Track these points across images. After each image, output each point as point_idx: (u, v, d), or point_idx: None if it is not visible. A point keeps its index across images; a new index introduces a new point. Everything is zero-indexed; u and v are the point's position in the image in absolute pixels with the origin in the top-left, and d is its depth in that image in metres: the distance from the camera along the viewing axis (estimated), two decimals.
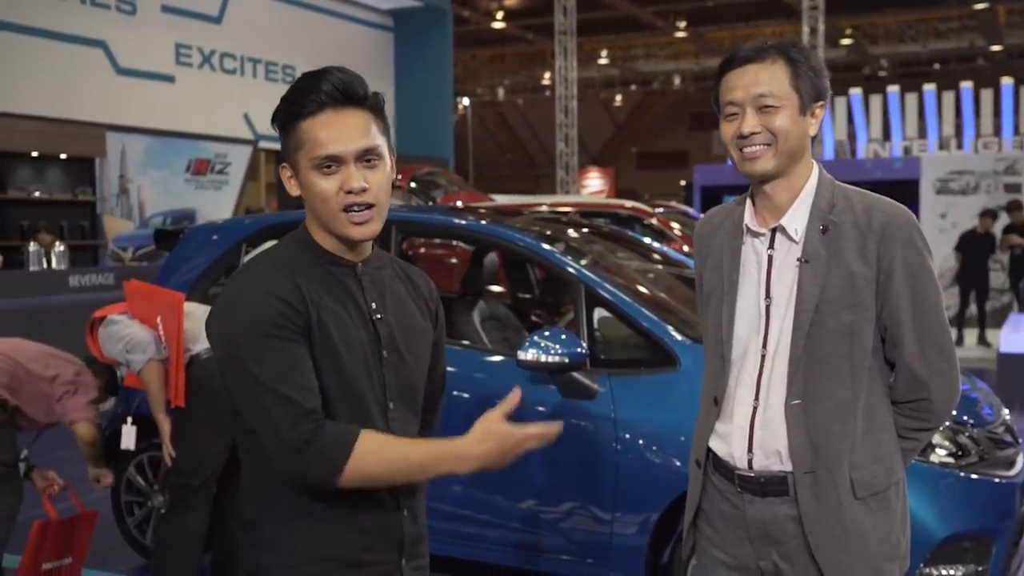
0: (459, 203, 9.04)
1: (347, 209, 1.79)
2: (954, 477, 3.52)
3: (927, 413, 2.14)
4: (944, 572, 3.37)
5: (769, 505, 2.13)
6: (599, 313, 4.24)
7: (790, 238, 2.11)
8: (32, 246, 10.93)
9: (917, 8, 27.29)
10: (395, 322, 1.91)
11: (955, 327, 12.95)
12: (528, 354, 3.78)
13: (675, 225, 8.98)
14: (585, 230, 5.31)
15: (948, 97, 15.58)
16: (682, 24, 29.16)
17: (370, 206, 1.80)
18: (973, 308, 12.84)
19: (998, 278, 13.25)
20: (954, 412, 3.71)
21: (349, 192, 1.78)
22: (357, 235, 1.81)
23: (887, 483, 2.13)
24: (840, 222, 2.08)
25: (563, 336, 3.81)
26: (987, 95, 15.46)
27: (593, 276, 4.07)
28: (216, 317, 1.80)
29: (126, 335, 3.96)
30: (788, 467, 2.10)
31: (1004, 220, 12.64)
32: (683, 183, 26.74)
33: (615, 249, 5.06)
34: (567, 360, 3.75)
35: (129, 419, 4.31)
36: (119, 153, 13.60)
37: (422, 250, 8.20)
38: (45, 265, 10.94)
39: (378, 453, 1.73)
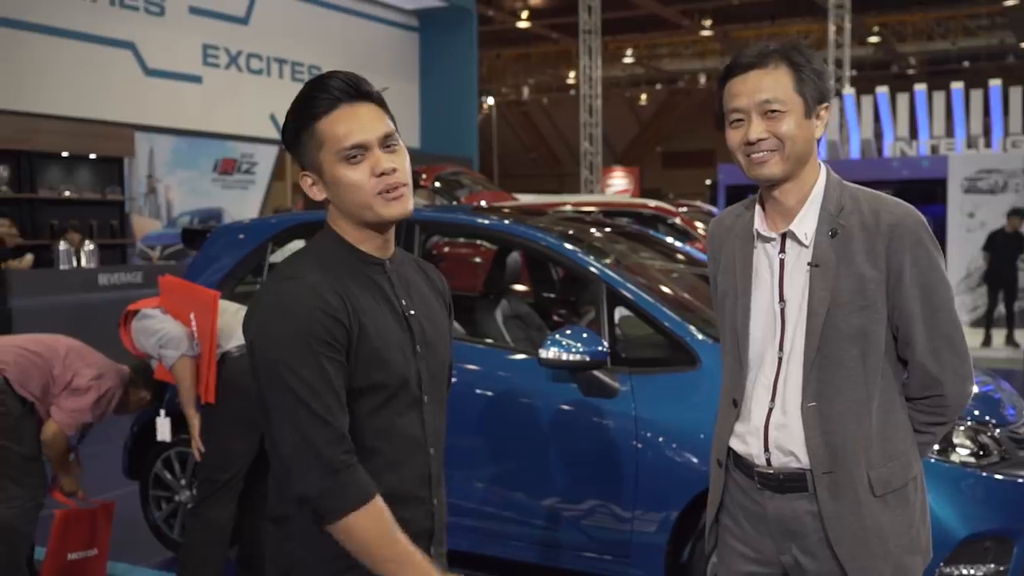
0: (483, 203, 9.08)
1: (381, 192, 1.82)
2: (975, 477, 3.52)
3: (941, 408, 2.16)
4: (965, 572, 3.37)
5: (789, 501, 2.16)
6: (621, 312, 4.27)
7: (800, 242, 2.13)
8: (62, 245, 11.06)
9: (946, 5, 27.08)
10: (423, 317, 1.95)
11: (983, 327, 12.84)
12: (549, 352, 3.81)
13: (699, 225, 8.99)
14: (607, 229, 5.34)
15: (976, 95, 15.44)
16: (707, 23, 29.11)
17: (403, 184, 1.84)
18: (1002, 308, 12.73)
19: None
20: (976, 412, 3.74)
21: (382, 174, 1.81)
22: (394, 213, 1.83)
23: (905, 479, 2.15)
24: (848, 225, 2.09)
25: (584, 335, 3.83)
26: (1016, 93, 15.32)
27: (614, 275, 4.09)
28: (259, 320, 1.81)
29: (160, 330, 4.01)
30: (806, 464, 2.13)
31: None
32: (708, 182, 26.69)
33: (637, 248, 5.08)
34: (588, 358, 3.77)
35: (163, 411, 4.36)
36: (147, 153, 13.76)
37: (446, 249, 8.25)
38: (75, 264, 11.07)
39: (378, 522, 1.76)
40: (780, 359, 2.14)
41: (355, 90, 1.84)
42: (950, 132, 15.68)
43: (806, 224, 2.12)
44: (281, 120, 1.91)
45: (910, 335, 2.10)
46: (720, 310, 2.30)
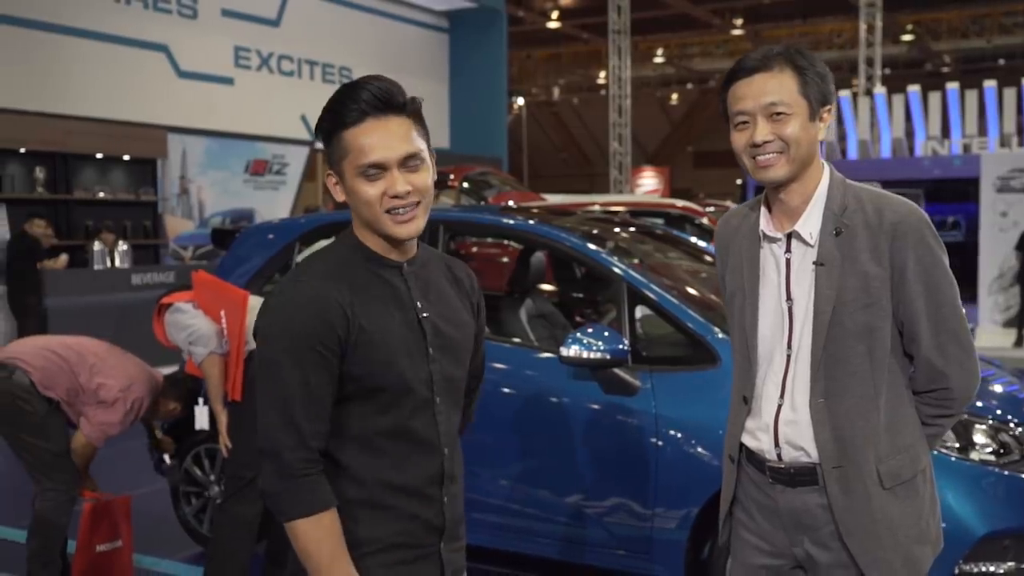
0: (511, 203, 9.13)
1: (391, 211, 1.87)
2: (995, 475, 3.52)
3: (948, 401, 2.20)
4: (984, 569, 3.37)
5: (800, 494, 2.19)
6: (643, 311, 4.30)
7: (805, 242, 2.16)
8: (96, 245, 11.24)
9: (981, 2, 26.78)
10: (440, 319, 1.98)
11: (1016, 328, 12.72)
12: (570, 350, 3.85)
13: None
14: (631, 229, 5.37)
15: (1010, 93, 15.27)
16: (739, 22, 28.99)
17: (416, 204, 1.88)
18: None
19: None
20: (999, 411, 3.74)
21: (394, 196, 1.86)
22: (403, 233, 1.89)
23: (913, 471, 2.19)
24: (852, 224, 2.12)
25: (605, 333, 3.86)
26: None
27: (635, 274, 4.12)
28: (260, 320, 1.90)
29: (191, 326, 4.09)
30: (815, 458, 2.17)
31: None
32: (739, 182, 26.57)
33: (660, 248, 5.11)
34: (608, 356, 3.81)
35: (201, 400, 4.42)
36: (180, 154, 13.93)
37: (474, 249, 8.30)
38: (108, 264, 11.25)
39: (323, 535, 1.83)
40: (788, 357, 2.18)
41: (385, 103, 1.86)
42: (983, 131, 15.52)
43: (811, 224, 2.16)
44: (312, 121, 1.97)
45: (915, 331, 2.13)
46: (729, 309, 2.34)
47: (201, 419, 4.40)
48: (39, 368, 4.09)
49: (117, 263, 11.31)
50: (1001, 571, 3.39)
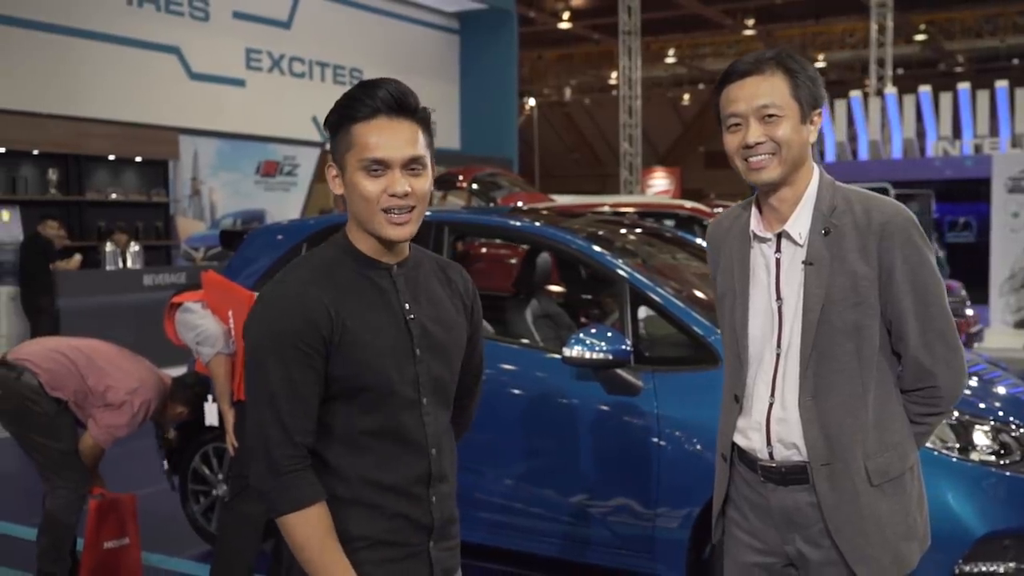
0: (520, 203, 9.16)
1: (387, 210, 1.90)
2: (996, 476, 3.53)
3: (935, 399, 2.23)
4: (983, 569, 3.39)
5: (791, 493, 2.22)
6: (645, 311, 4.32)
7: (794, 242, 2.20)
8: (109, 246, 11.32)
9: (995, 2, 26.66)
10: (429, 320, 2.00)
11: None
12: (573, 351, 3.88)
13: None
14: (637, 230, 5.39)
15: (1022, 94, 15.22)
16: (750, 22, 28.93)
17: (411, 209, 1.91)
18: None
19: None
20: (1001, 413, 3.75)
21: (393, 195, 1.89)
22: (395, 235, 1.92)
23: (901, 469, 2.22)
24: (841, 224, 2.16)
25: (608, 334, 3.89)
26: None
27: (637, 275, 4.15)
28: (248, 321, 1.93)
29: (199, 326, 4.13)
30: (807, 456, 2.19)
31: None
32: None
33: (665, 249, 5.13)
34: (611, 357, 3.84)
35: (210, 396, 4.47)
36: (191, 156, 14.00)
37: (483, 250, 8.33)
38: (121, 265, 11.33)
39: (312, 529, 1.87)
40: (778, 356, 2.21)
41: (398, 104, 1.90)
42: (994, 131, 15.48)
43: (800, 224, 2.19)
44: (322, 123, 1.99)
45: (903, 330, 2.16)
46: (720, 309, 2.38)
47: (211, 416, 4.44)
48: (47, 370, 4.14)
49: (129, 264, 11.39)
50: (1001, 571, 3.41)
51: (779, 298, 2.21)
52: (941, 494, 3.44)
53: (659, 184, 28.65)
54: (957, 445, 3.58)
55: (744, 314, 2.26)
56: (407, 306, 1.98)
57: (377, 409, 1.92)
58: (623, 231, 5.23)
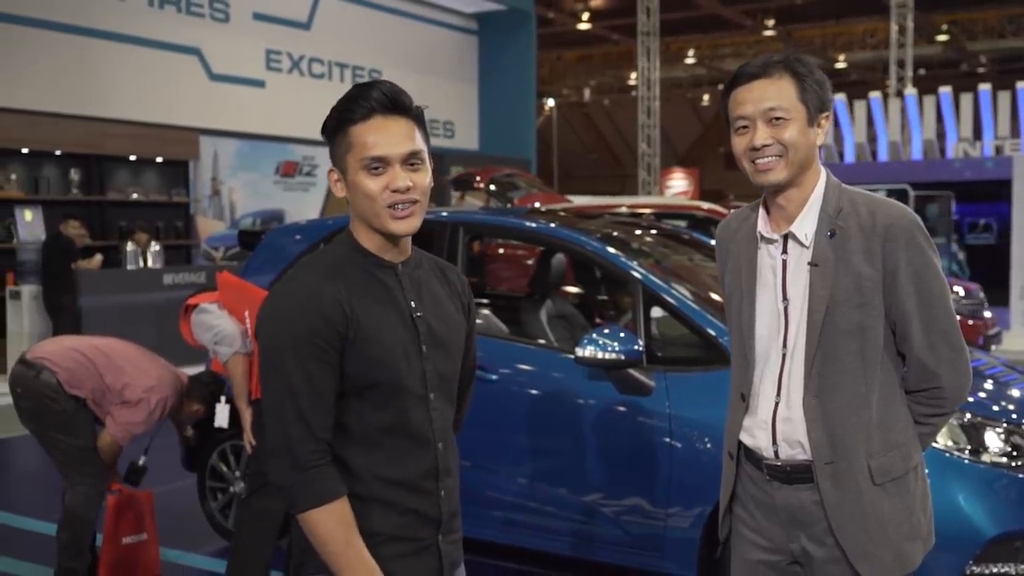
0: (536, 204, 9.18)
1: (391, 206, 1.94)
2: (1007, 477, 3.53)
3: (940, 400, 2.25)
4: (994, 570, 3.39)
5: (796, 491, 2.25)
6: (659, 312, 4.34)
7: (800, 243, 2.22)
8: (129, 246, 11.44)
9: (1018, 2, 26.45)
10: (432, 318, 2.05)
11: None
12: (586, 351, 3.90)
13: None
14: (652, 231, 5.41)
15: None
16: (770, 22, 28.82)
17: (414, 202, 1.96)
18: None
19: None
20: (1015, 416, 3.75)
21: (395, 191, 1.93)
22: (400, 230, 1.96)
23: (905, 468, 2.24)
24: (846, 226, 2.18)
25: (621, 334, 3.91)
26: None
27: (650, 276, 4.17)
28: (261, 320, 1.96)
29: (215, 326, 4.18)
30: (811, 456, 2.22)
31: None
32: None
33: (679, 250, 5.14)
34: (623, 357, 3.86)
35: (223, 398, 4.52)
36: (211, 156, 14.11)
37: (500, 251, 8.37)
38: (141, 264, 11.44)
39: (336, 523, 1.90)
40: (784, 355, 2.24)
41: (392, 103, 1.94)
42: (1015, 132, 15.40)
43: (806, 225, 2.22)
44: (320, 130, 2.03)
45: (907, 331, 2.18)
46: (728, 309, 2.41)
47: (221, 417, 4.49)
48: (65, 368, 4.20)
49: (150, 263, 11.51)
50: (1012, 572, 3.41)
51: (785, 299, 2.24)
52: (952, 495, 3.45)
53: (678, 185, 28.61)
54: (969, 447, 3.59)
55: (751, 314, 2.29)
56: (413, 304, 2.02)
57: (387, 405, 1.96)
58: (637, 232, 5.25)
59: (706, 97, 38.31)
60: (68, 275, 10.39)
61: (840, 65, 31.21)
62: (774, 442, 2.25)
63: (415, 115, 1.99)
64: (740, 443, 2.35)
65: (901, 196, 12.72)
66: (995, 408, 3.81)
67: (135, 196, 12.97)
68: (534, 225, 4.77)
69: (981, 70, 31.03)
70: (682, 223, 8.31)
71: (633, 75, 31.04)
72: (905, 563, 2.23)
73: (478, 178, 9.82)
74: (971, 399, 3.82)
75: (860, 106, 16.44)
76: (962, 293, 9.56)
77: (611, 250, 4.35)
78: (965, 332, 8.66)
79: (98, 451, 4.29)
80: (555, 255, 5.26)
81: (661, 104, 24.01)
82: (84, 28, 12.30)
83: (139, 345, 4.54)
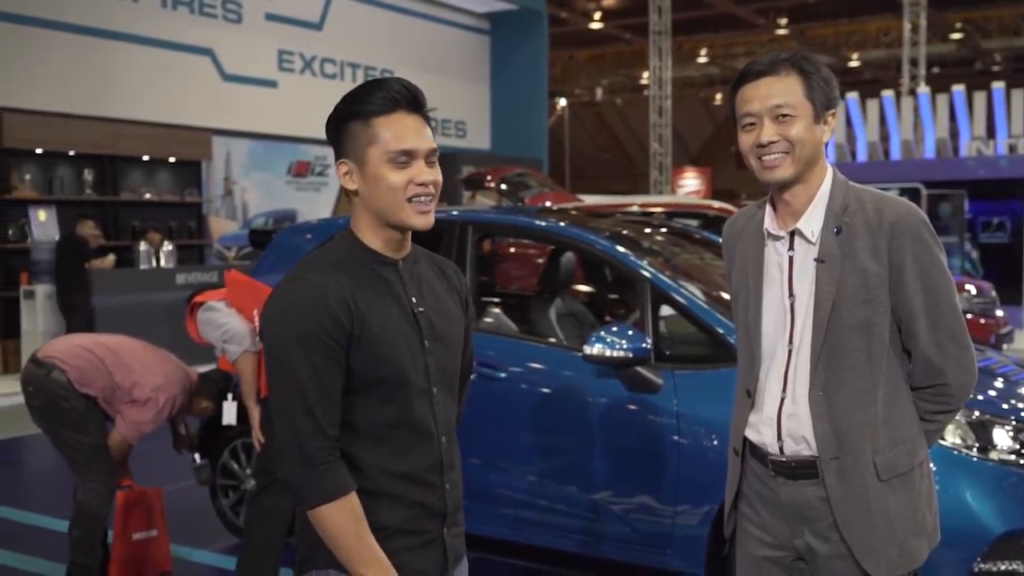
0: (548, 203, 9.19)
1: (413, 199, 1.96)
2: (1016, 475, 3.53)
3: (946, 397, 2.25)
4: (1002, 567, 3.38)
5: (800, 487, 2.25)
6: (667, 310, 4.35)
7: (807, 240, 2.23)
8: (142, 245, 11.51)
9: None
10: (434, 314, 2.07)
11: None
12: (593, 349, 3.91)
13: None
14: (660, 230, 5.41)
15: None
16: (783, 21, 28.73)
17: (432, 197, 1.99)
18: None
19: None
20: (1023, 413, 3.74)
21: (420, 184, 1.96)
22: (420, 223, 1.98)
23: (910, 464, 2.24)
24: (853, 223, 2.19)
25: (629, 332, 3.92)
26: None
27: (658, 274, 4.17)
28: (267, 318, 1.97)
29: (224, 324, 4.20)
30: (816, 451, 2.22)
31: None
32: None
33: (688, 248, 5.15)
34: (631, 355, 3.87)
35: (230, 395, 4.53)
36: (224, 156, 14.16)
37: (512, 249, 8.37)
38: (154, 264, 11.50)
39: (346, 518, 1.91)
40: (790, 352, 2.25)
41: (412, 100, 1.97)
42: None
43: (812, 222, 2.23)
44: (329, 120, 2.02)
45: (913, 327, 2.19)
46: (734, 306, 2.42)
47: (228, 415, 4.51)
48: (75, 367, 4.23)
49: (162, 263, 11.57)
50: (1020, 570, 3.40)
51: (791, 295, 2.25)
52: (960, 493, 3.45)
53: (690, 184, 28.57)
54: (977, 444, 3.58)
55: (757, 310, 2.30)
56: (414, 299, 2.04)
57: (393, 400, 1.97)
58: (647, 231, 5.25)
59: (719, 96, 38.22)
60: (81, 275, 10.45)
61: (853, 64, 31.10)
62: (779, 438, 2.26)
63: (427, 114, 2.02)
64: (745, 439, 2.36)
65: (914, 195, 12.68)
66: (1004, 406, 3.80)
67: (148, 196, 13.02)
68: (543, 224, 4.79)
69: (996, 68, 30.87)
70: (694, 222, 8.29)
71: (645, 74, 31.01)
72: (911, 559, 2.23)
73: (489, 177, 9.83)
74: (980, 397, 3.83)
75: (873, 105, 16.39)
76: (974, 291, 9.53)
77: (620, 249, 4.36)
78: (977, 331, 8.65)
79: (109, 449, 4.32)
80: (564, 254, 5.27)
81: (674, 103, 23.99)
82: (97, 29, 12.36)
83: (149, 343, 4.57)
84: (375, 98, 1.95)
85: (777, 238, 2.28)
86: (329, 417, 1.91)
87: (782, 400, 2.26)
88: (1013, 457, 3.57)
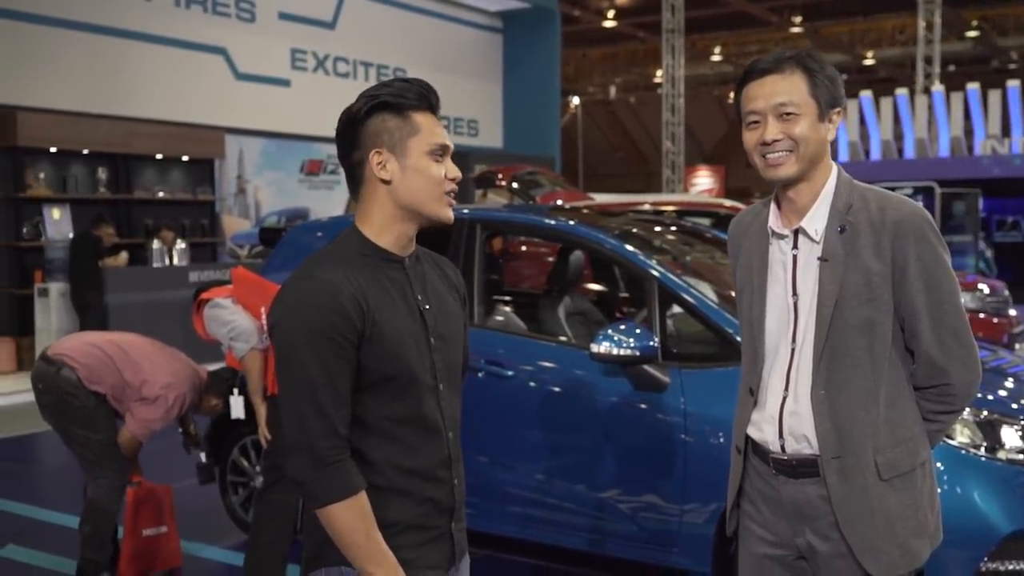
0: (559, 202, 9.19)
1: (448, 193, 2.03)
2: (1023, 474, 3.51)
3: (949, 397, 2.25)
4: (1010, 567, 3.37)
5: (802, 486, 2.25)
6: (675, 308, 4.34)
7: (811, 238, 2.23)
8: (155, 244, 11.56)
9: None
10: (438, 312, 2.09)
11: None
12: (601, 347, 3.91)
13: None
14: (669, 228, 5.41)
15: None
16: (797, 19, 28.63)
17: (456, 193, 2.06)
18: None
19: None
20: None
21: (452, 179, 2.02)
22: (448, 216, 2.05)
23: (912, 464, 2.23)
24: (856, 222, 2.19)
25: (636, 330, 3.92)
26: None
27: (666, 272, 4.17)
28: (277, 317, 1.97)
29: (231, 322, 4.22)
30: (817, 450, 2.22)
31: None
32: None
33: (696, 247, 5.14)
34: (638, 353, 3.86)
35: (236, 390, 4.55)
36: (237, 155, 14.21)
37: (523, 248, 8.38)
38: (167, 262, 11.55)
39: (355, 517, 1.92)
40: (793, 350, 2.25)
41: (436, 103, 2.04)
42: None
43: (816, 221, 2.23)
44: (362, 105, 2.01)
45: (916, 327, 2.18)
46: (739, 304, 2.42)
47: (236, 409, 4.53)
48: (85, 365, 4.26)
49: (175, 261, 11.62)
50: None
51: (795, 293, 2.25)
52: (968, 492, 3.44)
53: (703, 183, 28.52)
54: (985, 443, 3.57)
55: (761, 309, 2.30)
56: (419, 297, 2.06)
57: (402, 397, 1.99)
58: (656, 230, 5.25)
59: (732, 95, 38.04)
60: (95, 273, 10.51)
61: (868, 62, 30.97)
62: (780, 436, 2.26)
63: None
64: (748, 437, 2.36)
65: (928, 194, 12.61)
66: (1014, 406, 3.78)
67: (161, 194, 13.08)
68: (552, 222, 4.79)
69: (1012, 66, 30.69)
70: (706, 221, 8.28)
71: (659, 73, 30.96)
72: (912, 559, 2.22)
73: (500, 176, 9.84)
74: (991, 397, 3.81)
75: (887, 103, 16.31)
76: (987, 291, 9.47)
77: (628, 247, 4.35)
78: (990, 330, 8.57)
79: (119, 446, 4.35)
80: (573, 252, 5.27)
81: (687, 102, 23.95)
82: (111, 28, 12.42)
83: (160, 341, 4.59)
84: (408, 92, 1.99)
85: (781, 236, 2.28)
86: (340, 415, 1.92)
87: (784, 398, 2.26)
88: (1021, 457, 3.55)
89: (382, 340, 1.95)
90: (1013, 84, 15.34)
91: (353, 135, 2.01)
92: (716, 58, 32.53)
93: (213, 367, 4.71)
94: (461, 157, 14.46)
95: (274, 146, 14.80)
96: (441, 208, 2.02)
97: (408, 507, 2.00)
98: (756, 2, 26.54)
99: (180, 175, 13.52)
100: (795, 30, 29.72)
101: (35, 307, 10.89)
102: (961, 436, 3.57)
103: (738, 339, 3.86)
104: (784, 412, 2.25)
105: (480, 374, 4.31)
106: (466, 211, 4.85)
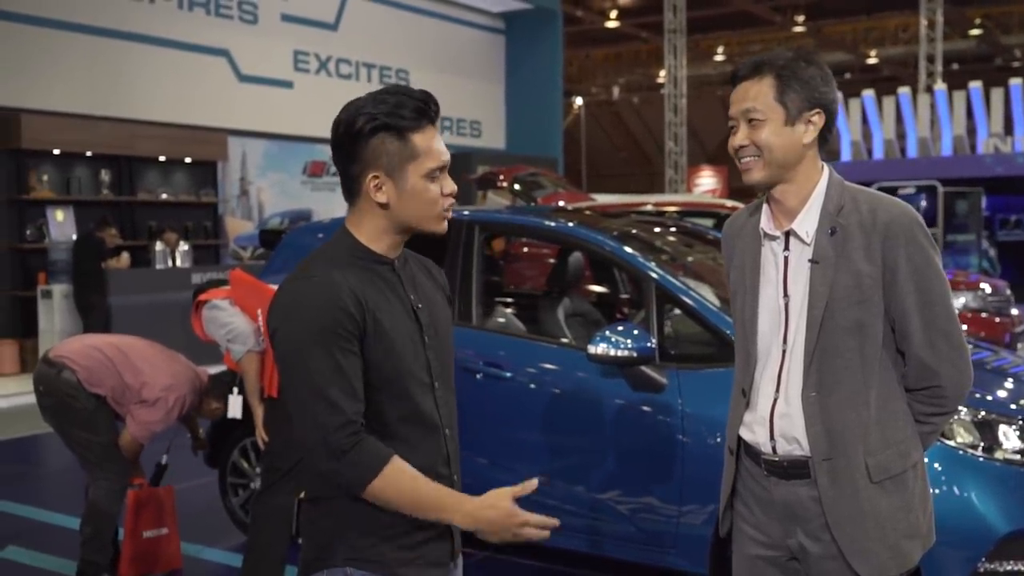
0: (561, 203, 9.20)
1: (445, 210, 2.04)
2: (1021, 475, 3.51)
3: (940, 399, 2.25)
4: (1007, 567, 3.37)
5: (793, 487, 2.26)
6: (673, 310, 4.35)
7: (802, 240, 2.24)
8: (159, 245, 11.58)
9: None
10: (429, 311, 2.11)
11: None
12: (598, 348, 3.91)
13: None
14: (669, 230, 5.41)
15: None
16: (800, 19, 28.59)
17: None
18: None
19: None
20: None
21: (448, 195, 2.03)
22: (444, 229, 2.06)
23: (903, 466, 2.24)
24: (847, 224, 2.19)
25: (634, 331, 3.92)
26: None
27: (663, 273, 4.17)
28: (277, 316, 1.97)
29: (229, 324, 4.23)
30: (808, 451, 2.23)
31: None
32: None
33: (695, 248, 5.14)
34: (635, 354, 3.87)
35: (235, 389, 4.54)
36: (240, 157, 14.24)
37: (525, 249, 8.38)
38: (170, 263, 11.58)
39: (398, 482, 1.91)
40: (784, 351, 2.25)
41: (436, 113, 2.02)
42: None
43: (807, 223, 2.23)
44: (355, 128, 1.99)
45: (906, 328, 2.18)
46: (733, 305, 2.42)
47: (234, 408, 4.54)
48: (85, 367, 4.27)
49: (178, 263, 11.64)
50: None
51: (786, 295, 2.25)
52: (965, 492, 3.44)
53: (706, 183, 28.43)
54: (982, 444, 3.57)
55: (754, 310, 2.31)
56: (412, 297, 2.07)
57: (401, 395, 2.00)
58: (656, 231, 5.25)
59: None
60: (98, 274, 10.54)
61: (871, 61, 30.92)
62: (771, 438, 2.26)
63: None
64: (740, 439, 2.36)
65: (931, 192, 12.60)
66: (1013, 407, 3.78)
67: (164, 196, 13.11)
68: (551, 224, 4.80)
69: (1015, 64, 30.62)
70: (708, 222, 8.27)
71: (662, 73, 30.94)
72: (903, 561, 2.23)
73: (501, 177, 9.85)
74: (990, 397, 3.82)
75: (889, 102, 16.30)
76: (989, 290, 9.45)
77: (627, 249, 4.36)
78: (991, 329, 8.55)
79: (119, 448, 4.36)
80: (572, 253, 5.28)
81: (691, 102, 23.93)
82: (113, 30, 12.45)
83: (160, 344, 4.61)
84: (407, 111, 1.96)
85: (773, 238, 2.29)
86: (352, 407, 1.91)
87: (775, 400, 2.26)
88: (1019, 457, 3.55)
89: (383, 338, 1.96)
90: (1016, 82, 15.32)
91: (352, 150, 1.99)
92: (719, 58, 32.49)
93: (215, 370, 4.72)
94: (463, 158, 14.50)
95: (277, 148, 14.82)
96: (436, 224, 2.04)
97: None
98: (758, 1, 26.51)
99: (183, 177, 13.54)
100: (798, 29, 29.66)
101: (39, 309, 10.93)
102: (959, 436, 3.57)
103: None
104: (775, 414, 2.26)
105: (479, 375, 4.32)
106: (465, 213, 4.86)
